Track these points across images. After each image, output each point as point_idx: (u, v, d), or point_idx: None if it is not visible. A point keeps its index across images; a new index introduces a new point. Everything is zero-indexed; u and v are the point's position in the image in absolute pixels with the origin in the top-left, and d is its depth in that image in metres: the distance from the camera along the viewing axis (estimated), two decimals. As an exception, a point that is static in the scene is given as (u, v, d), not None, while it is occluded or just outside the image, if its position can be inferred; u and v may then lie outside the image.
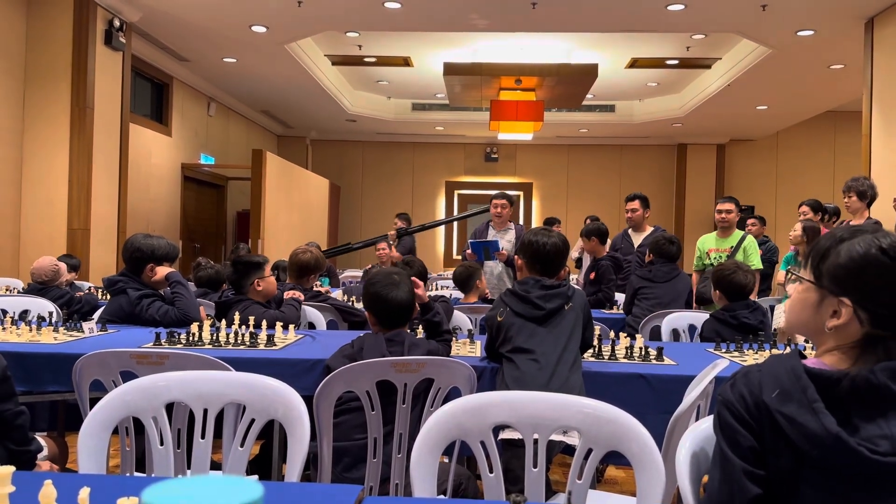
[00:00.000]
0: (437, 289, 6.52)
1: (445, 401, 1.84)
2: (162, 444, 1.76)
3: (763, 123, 11.93)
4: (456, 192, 14.33)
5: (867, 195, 5.24)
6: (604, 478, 3.78)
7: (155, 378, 1.77)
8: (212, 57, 8.87)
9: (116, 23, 6.81)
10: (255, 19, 7.38)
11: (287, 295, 3.72)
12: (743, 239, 5.24)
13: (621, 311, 4.97)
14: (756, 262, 5.15)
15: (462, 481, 2.28)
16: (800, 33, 7.28)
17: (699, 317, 3.94)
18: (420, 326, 2.82)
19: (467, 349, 3.00)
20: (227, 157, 11.21)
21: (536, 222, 13.89)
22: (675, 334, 3.94)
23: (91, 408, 1.68)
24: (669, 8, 6.71)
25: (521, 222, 12.28)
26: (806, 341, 3.40)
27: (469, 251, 5.59)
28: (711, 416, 1.48)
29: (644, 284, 4.72)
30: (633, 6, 6.72)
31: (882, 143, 6.51)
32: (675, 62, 9.59)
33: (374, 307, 2.50)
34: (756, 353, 2.97)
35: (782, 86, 9.36)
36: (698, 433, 1.45)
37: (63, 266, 4.80)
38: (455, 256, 13.76)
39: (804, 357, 1.27)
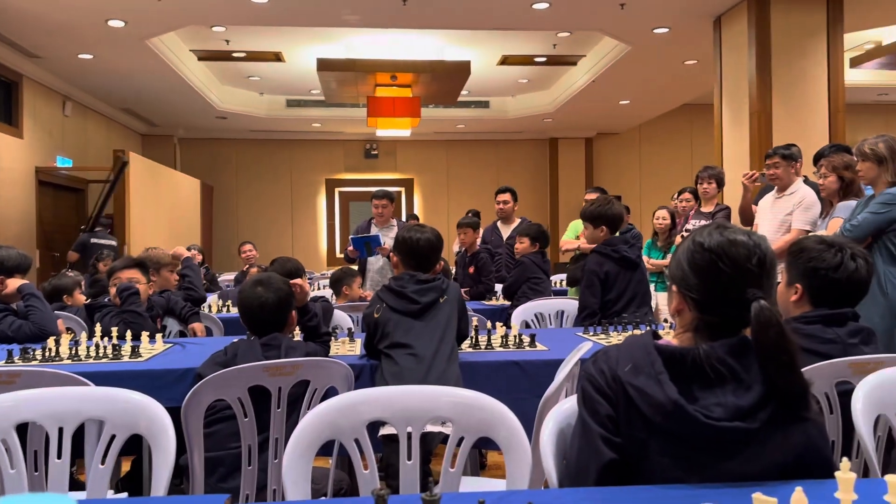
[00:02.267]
0: (319, 288, 6.43)
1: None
2: (14, 468, 1.65)
3: (626, 117, 12.56)
4: (337, 190, 14.17)
5: (722, 183, 5.65)
6: (487, 463, 3.87)
7: (1, 399, 1.65)
8: (66, 53, 8.30)
9: (-49, 15, 6.25)
10: (112, 13, 6.97)
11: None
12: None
13: (502, 302, 5.10)
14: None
15: (343, 486, 2.27)
16: (656, 31, 7.72)
17: (567, 303, 4.14)
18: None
19: (347, 348, 2.99)
20: (87, 159, 10.52)
21: (421, 217, 13.99)
22: (540, 318, 4.12)
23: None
24: (535, 7, 6.93)
25: (403, 218, 12.32)
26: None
27: (351, 248, 5.55)
28: (574, 397, 1.57)
29: (538, 274, 4.85)
30: (500, 4, 6.88)
31: (730, 134, 7.03)
32: (543, 59, 9.91)
33: (243, 314, 2.46)
34: (620, 334, 3.14)
35: (642, 81, 9.90)
36: (561, 412, 1.52)
37: None
38: (338, 255, 13.62)
39: (658, 337, 1.39)
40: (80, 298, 4.00)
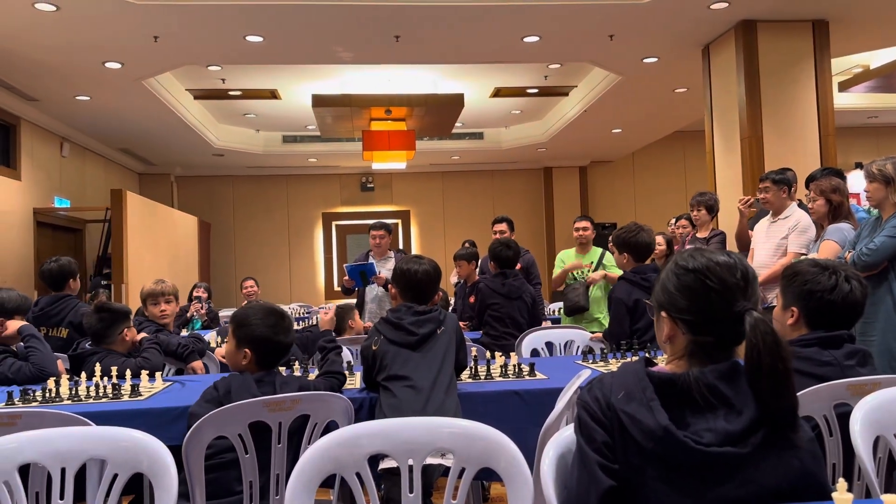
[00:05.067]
0: (315, 323, 6.41)
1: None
2: (15, 510, 1.65)
3: (619, 145, 12.68)
4: (333, 224, 14.23)
5: (714, 209, 5.70)
6: (490, 496, 3.84)
7: (4, 440, 1.65)
8: (63, 95, 8.39)
9: (-49, 61, 6.33)
10: (108, 55, 7.07)
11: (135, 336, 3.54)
12: (602, 255, 5.54)
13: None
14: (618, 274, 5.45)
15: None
16: (645, 60, 7.84)
17: (577, 334, 4.14)
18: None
19: (346, 381, 2.98)
20: (85, 199, 10.58)
21: (416, 249, 14.01)
22: (536, 353, 4.06)
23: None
24: (525, 40, 7.05)
25: (401, 248, 12.35)
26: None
27: (346, 278, 5.57)
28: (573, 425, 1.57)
29: (496, 301, 4.67)
30: (491, 38, 7.00)
31: (723, 160, 7.10)
32: (535, 91, 10.04)
33: (256, 347, 2.45)
34: (619, 361, 3.15)
35: (633, 109, 10.01)
36: (561, 440, 1.52)
37: None
38: (335, 288, 13.62)
39: (652, 364, 1.40)
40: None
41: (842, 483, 1.11)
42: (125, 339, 3.39)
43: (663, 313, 1.42)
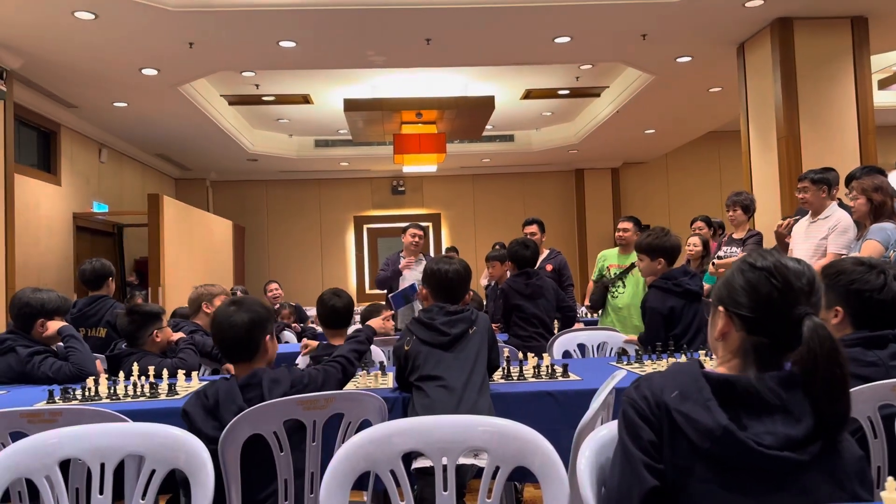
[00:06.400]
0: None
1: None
2: (57, 504, 1.67)
3: (652, 146, 12.54)
4: (365, 227, 14.31)
5: (750, 209, 5.60)
6: (524, 498, 3.81)
7: (45, 435, 1.68)
8: (101, 102, 8.57)
9: (-5, 70, 6.51)
10: (145, 62, 7.21)
11: (172, 336, 3.58)
12: (644, 257, 5.47)
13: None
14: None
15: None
16: (679, 60, 7.74)
17: (610, 335, 4.09)
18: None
19: (379, 381, 2.99)
20: (122, 204, 10.79)
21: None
22: (567, 355, 4.02)
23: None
24: (556, 41, 7.01)
25: (430, 253, 12.36)
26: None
27: (389, 307, 5.57)
28: (609, 425, 1.55)
29: (520, 301, 4.59)
30: (522, 40, 6.98)
31: (759, 160, 6.98)
32: (567, 92, 9.98)
33: (214, 336, 2.41)
34: (654, 363, 3.10)
35: (667, 110, 9.90)
36: (597, 440, 1.50)
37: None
38: (367, 291, 13.69)
39: (702, 367, 1.38)
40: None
41: (891, 482, 1.07)
42: (156, 340, 3.44)
43: (721, 308, 1.40)
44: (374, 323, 2.99)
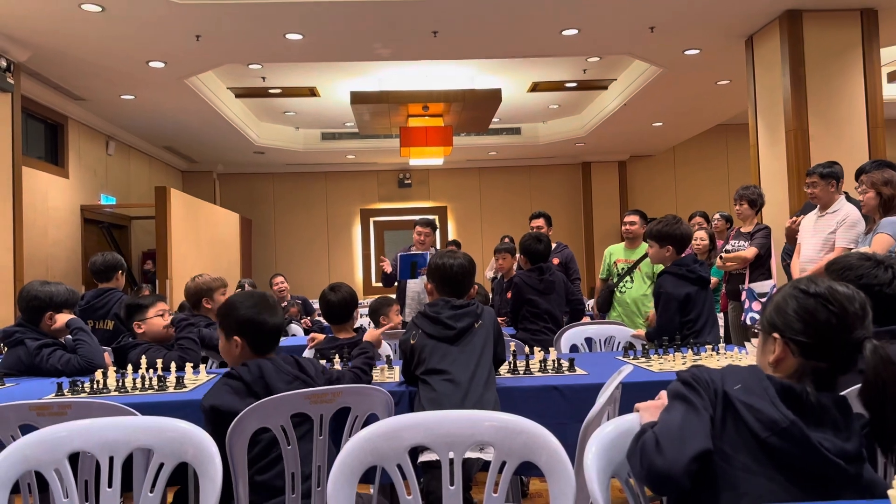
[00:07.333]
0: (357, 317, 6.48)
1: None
2: (67, 497, 1.69)
3: (659, 139, 12.49)
4: (371, 220, 14.32)
5: (757, 203, 5.58)
6: (529, 491, 3.83)
7: (55, 429, 1.70)
8: (108, 95, 8.59)
9: (3, 63, 6.52)
10: (152, 55, 7.22)
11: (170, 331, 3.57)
12: (649, 250, 5.46)
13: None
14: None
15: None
16: (687, 52, 7.70)
17: (618, 329, 4.08)
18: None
19: (385, 375, 3.00)
20: (130, 197, 10.83)
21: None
22: (575, 349, 4.02)
23: (-15, 466, 1.59)
24: (564, 33, 6.98)
25: (438, 247, 12.37)
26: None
27: (385, 262, 5.64)
28: (616, 420, 1.56)
29: (534, 297, 4.61)
30: (529, 32, 6.95)
31: (767, 153, 6.95)
32: (574, 84, 9.95)
33: (244, 332, 2.35)
34: (661, 358, 3.10)
35: (675, 102, 9.85)
36: (604, 435, 1.50)
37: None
38: (374, 284, 13.70)
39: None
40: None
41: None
42: (138, 331, 3.42)
43: (775, 335, 1.42)
44: (370, 336, 3.02)
